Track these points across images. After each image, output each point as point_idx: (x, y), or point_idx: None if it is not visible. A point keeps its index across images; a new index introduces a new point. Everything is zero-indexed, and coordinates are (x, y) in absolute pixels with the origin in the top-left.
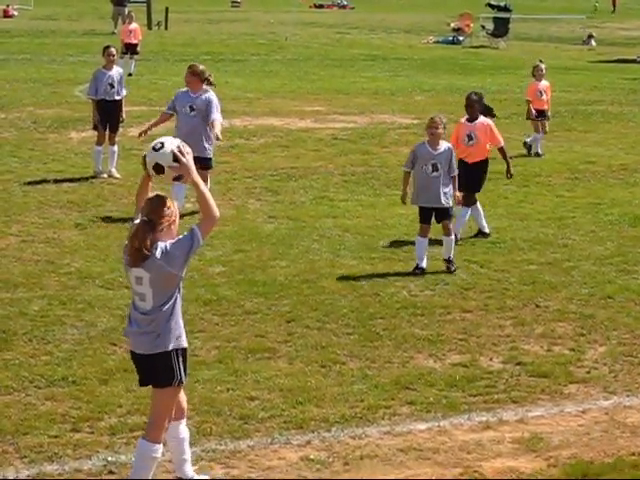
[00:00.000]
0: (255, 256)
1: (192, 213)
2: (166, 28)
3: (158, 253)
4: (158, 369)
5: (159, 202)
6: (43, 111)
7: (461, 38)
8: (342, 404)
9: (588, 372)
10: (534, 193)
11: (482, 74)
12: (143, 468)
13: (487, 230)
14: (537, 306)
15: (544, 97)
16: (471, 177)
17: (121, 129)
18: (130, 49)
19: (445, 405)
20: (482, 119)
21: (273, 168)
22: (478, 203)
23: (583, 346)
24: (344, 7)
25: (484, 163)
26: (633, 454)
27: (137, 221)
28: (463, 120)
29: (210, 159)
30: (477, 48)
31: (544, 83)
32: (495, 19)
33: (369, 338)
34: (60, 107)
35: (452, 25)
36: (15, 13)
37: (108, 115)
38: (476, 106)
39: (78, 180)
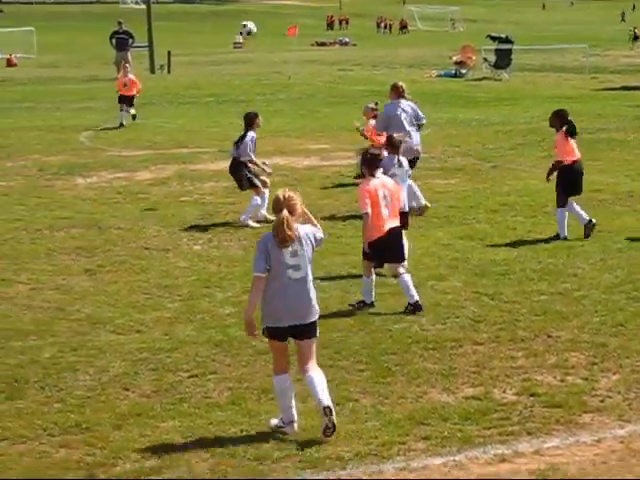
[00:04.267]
0: None
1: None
2: (169, 71)
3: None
4: (315, 325)
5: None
6: (49, 158)
7: (463, 71)
8: (356, 441)
9: (602, 401)
10: (542, 223)
11: (485, 106)
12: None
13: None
14: (549, 336)
15: None
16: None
17: (129, 173)
18: (125, 101)
19: (460, 439)
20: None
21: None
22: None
23: (596, 375)
24: (346, 44)
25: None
26: None
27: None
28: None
29: None
30: (480, 80)
31: None
32: (497, 51)
33: (381, 374)
34: (66, 154)
35: (454, 58)
36: (18, 62)
37: None
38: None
39: (86, 226)
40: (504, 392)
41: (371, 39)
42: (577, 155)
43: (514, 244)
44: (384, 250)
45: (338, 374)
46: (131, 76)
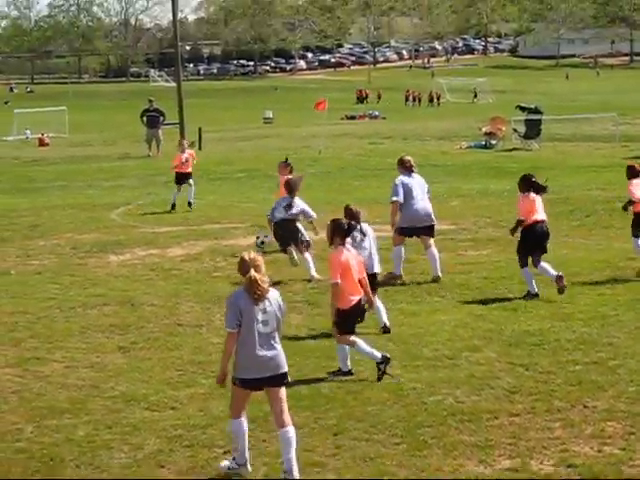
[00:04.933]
0: (299, 370)
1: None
2: (200, 148)
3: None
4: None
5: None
6: (82, 236)
7: (493, 142)
8: None
9: None
10: (576, 292)
11: (516, 176)
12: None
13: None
14: (585, 406)
15: None
16: None
17: (161, 250)
18: (184, 178)
19: None
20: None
21: (313, 281)
22: None
23: (633, 445)
24: (375, 117)
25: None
26: None
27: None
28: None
29: None
30: (510, 151)
31: None
32: (526, 121)
33: (417, 447)
34: (98, 232)
35: (484, 129)
36: (50, 142)
37: None
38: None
39: (119, 303)
40: (541, 463)
41: (401, 112)
42: (540, 216)
43: (547, 314)
44: (354, 318)
45: (374, 448)
46: (190, 151)
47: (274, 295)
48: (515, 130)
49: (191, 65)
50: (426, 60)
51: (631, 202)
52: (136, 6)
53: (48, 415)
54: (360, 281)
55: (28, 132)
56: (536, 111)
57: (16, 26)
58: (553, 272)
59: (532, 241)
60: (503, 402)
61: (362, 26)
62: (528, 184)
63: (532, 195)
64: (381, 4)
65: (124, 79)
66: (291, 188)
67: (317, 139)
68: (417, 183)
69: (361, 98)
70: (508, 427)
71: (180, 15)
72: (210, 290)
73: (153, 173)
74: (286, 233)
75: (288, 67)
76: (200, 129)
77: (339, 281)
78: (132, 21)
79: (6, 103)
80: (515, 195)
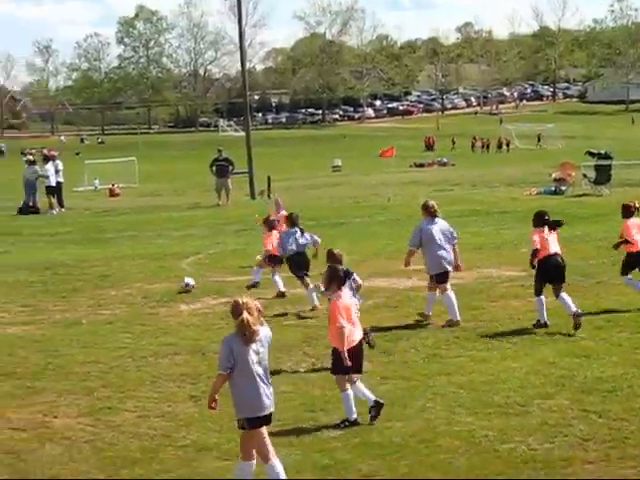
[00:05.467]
0: (380, 419)
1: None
2: (269, 197)
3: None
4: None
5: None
6: (152, 286)
7: (563, 188)
8: None
9: None
10: None
11: (586, 222)
12: None
13: None
14: None
15: None
16: None
17: (229, 299)
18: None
19: None
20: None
21: (383, 329)
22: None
23: None
24: (444, 164)
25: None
26: None
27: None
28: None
29: None
30: (580, 197)
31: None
32: (597, 167)
33: None
34: (169, 281)
35: (553, 175)
36: (120, 192)
37: None
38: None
39: (190, 352)
40: None
41: (469, 158)
42: (553, 250)
43: (620, 360)
44: (353, 360)
45: None
46: (283, 212)
47: (265, 333)
48: (585, 176)
49: (260, 114)
50: (494, 106)
51: (626, 242)
52: (205, 57)
53: (120, 465)
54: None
55: (96, 182)
56: (606, 156)
57: (87, 78)
58: (572, 307)
59: (548, 272)
60: (576, 450)
61: (430, 73)
62: (542, 220)
63: (546, 230)
64: (449, 51)
65: (193, 129)
66: (293, 221)
67: (386, 187)
68: (439, 228)
69: (429, 145)
70: (582, 475)
71: (248, 65)
72: (280, 338)
73: (223, 222)
74: (301, 264)
75: (356, 115)
76: (269, 178)
77: (346, 325)
78: (201, 71)
79: (77, 154)
80: (585, 240)
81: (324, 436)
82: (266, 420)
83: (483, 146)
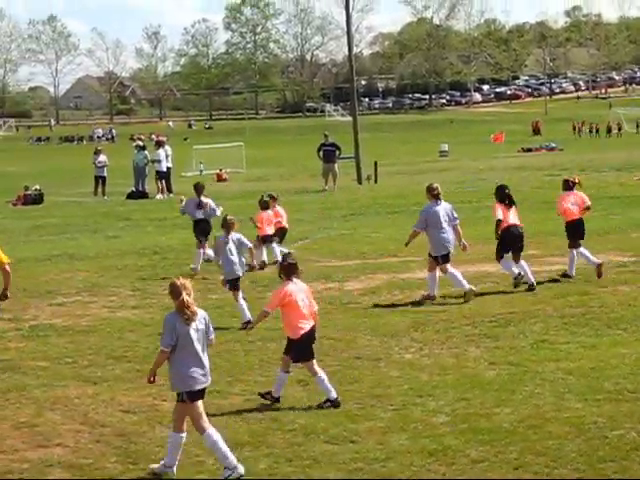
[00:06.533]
0: (478, 404)
1: None
2: (376, 181)
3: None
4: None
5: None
6: (260, 271)
7: None
8: None
9: None
10: None
11: None
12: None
13: None
14: None
15: None
16: None
17: (339, 284)
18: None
19: None
20: None
21: (491, 314)
22: None
23: None
24: (552, 149)
25: None
26: None
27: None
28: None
29: None
30: None
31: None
32: None
33: None
34: (277, 265)
35: None
36: (228, 177)
37: None
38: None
39: None
40: None
41: (577, 143)
42: (512, 221)
43: None
44: (308, 346)
45: None
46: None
47: (202, 315)
48: None
49: (366, 99)
50: (603, 90)
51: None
52: (312, 42)
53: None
54: (310, 311)
55: (202, 166)
56: None
57: (194, 63)
58: (515, 270)
59: (509, 241)
60: None
61: (538, 57)
62: (502, 194)
63: (506, 204)
64: (557, 35)
65: (300, 114)
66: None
67: (494, 172)
68: (443, 210)
69: (537, 130)
70: None
71: (355, 50)
72: (388, 324)
73: (330, 207)
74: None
75: (463, 100)
76: (376, 163)
77: (270, 311)
78: (308, 57)
79: (185, 139)
80: None
81: (432, 421)
82: (203, 393)
83: (591, 130)
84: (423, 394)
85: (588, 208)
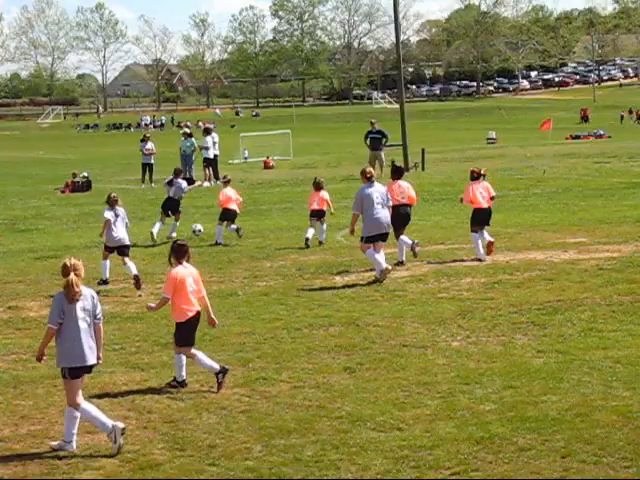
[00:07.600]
0: (525, 392)
1: None
2: (423, 169)
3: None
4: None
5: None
6: (307, 258)
7: None
8: None
9: None
10: None
11: None
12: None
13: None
14: None
15: None
16: None
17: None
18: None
19: None
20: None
21: (538, 302)
22: None
23: None
24: (600, 137)
25: None
26: None
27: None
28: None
29: None
30: None
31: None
32: None
33: None
34: (324, 253)
35: None
36: (274, 164)
37: None
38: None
39: (344, 324)
40: None
41: (626, 131)
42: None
43: None
44: (192, 330)
45: (603, 470)
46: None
47: (91, 292)
48: None
49: (413, 86)
50: None
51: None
52: (359, 29)
53: (276, 435)
54: (200, 299)
55: (246, 153)
56: None
57: (242, 51)
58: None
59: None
60: None
61: (586, 44)
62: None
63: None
64: (606, 22)
65: (347, 101)
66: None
67: (542, 159)
68: (377, 191)
69: (585, 117)
70: None
71: (403, 37)
72: (435, 311)
73: None
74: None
75: (511, 87)
76: (423, 150)
77: (169, 297)
78: (355, 44)
79: (232, 127)
80: None
81: (479, 409)
82: (87, 370)
83: (639, 118)
84: (470, 382)
85: (492, 198)
